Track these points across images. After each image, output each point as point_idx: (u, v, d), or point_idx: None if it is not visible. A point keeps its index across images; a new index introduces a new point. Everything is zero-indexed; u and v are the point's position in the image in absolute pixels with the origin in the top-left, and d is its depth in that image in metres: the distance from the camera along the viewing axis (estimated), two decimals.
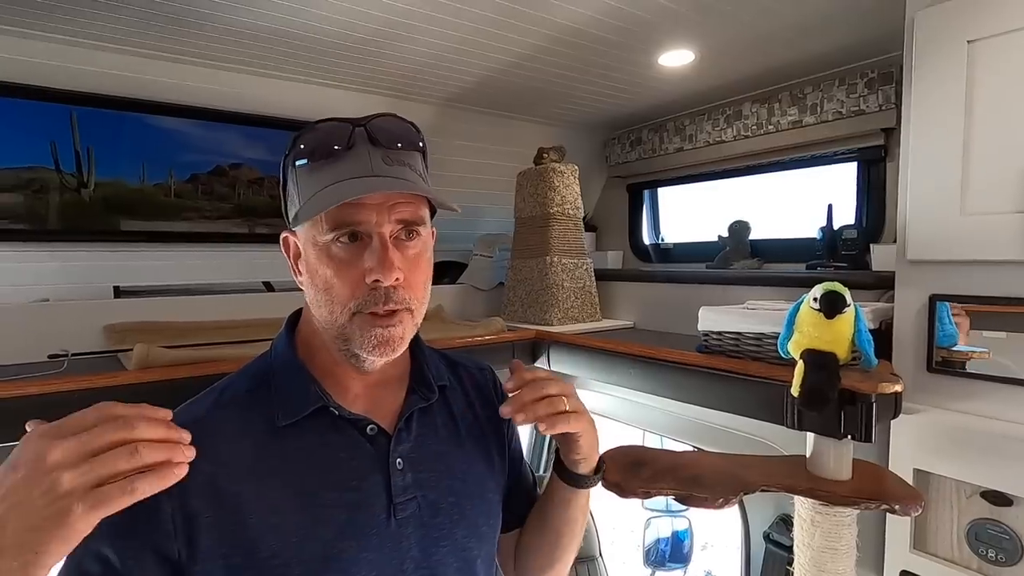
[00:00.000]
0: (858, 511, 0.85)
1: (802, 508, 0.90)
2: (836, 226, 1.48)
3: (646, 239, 2.19)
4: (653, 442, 1.87)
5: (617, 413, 1.70)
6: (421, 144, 0.68)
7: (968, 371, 0.93)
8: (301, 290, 0.68)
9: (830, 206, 1.49)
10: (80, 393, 0.94)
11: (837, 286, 0.81)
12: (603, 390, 1.68)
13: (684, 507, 2.39)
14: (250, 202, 1.60)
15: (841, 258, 1.44)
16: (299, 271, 0.68)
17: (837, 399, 0.82)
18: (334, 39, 1.28)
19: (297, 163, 0.64)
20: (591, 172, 2.24)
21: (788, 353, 0.87)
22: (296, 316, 0.72)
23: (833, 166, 1.56)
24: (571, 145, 2.09)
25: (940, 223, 0.89)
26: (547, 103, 1.81)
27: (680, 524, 2.35)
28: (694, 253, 1.99)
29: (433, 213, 0.70)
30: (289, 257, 0.69)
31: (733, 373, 1.03)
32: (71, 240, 1.35)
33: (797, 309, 0.86)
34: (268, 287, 1.60)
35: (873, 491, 0.82)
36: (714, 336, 1.10)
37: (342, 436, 0.65)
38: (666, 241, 2.14)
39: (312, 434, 0.64)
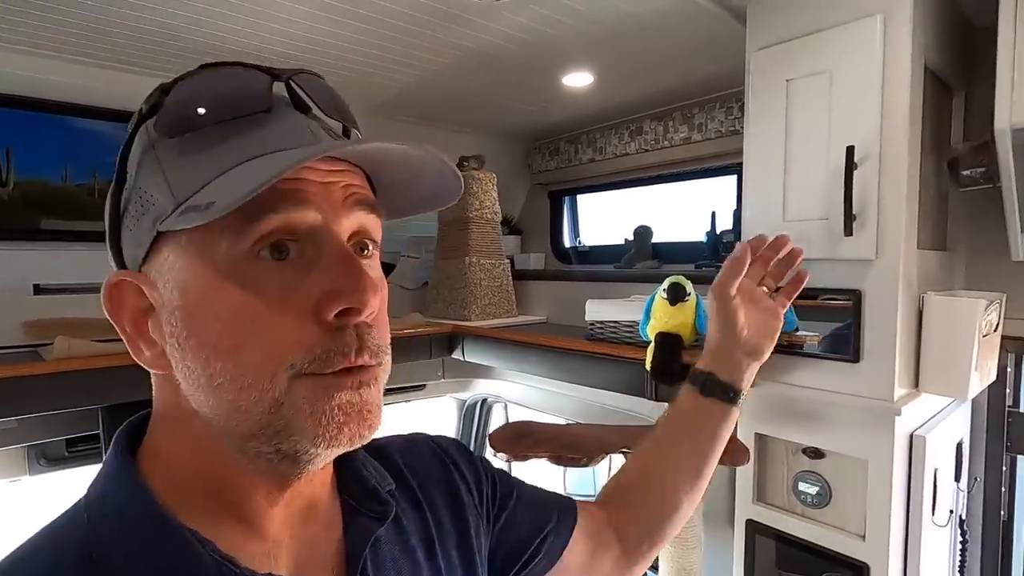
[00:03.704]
0: None
1: None
2: (719, 230, 1.69)
3: (567, 242, 2.36)
4: None
5: (530, 401, 1.85)
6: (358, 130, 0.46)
7: (795, 350, 1.12)
8: None
9: (713, 213, 1.70)
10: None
11: (680, 279, 0.98)
12: (518, 380, 1.82)
13: None
14: None
15: (722, 259, 1.63)
16: (147, 336, 0.39)
17: (681, 373, 0.98)
18: (253, 52, 1.36)
19: (169, 133, 0.38)
20: (516, 179, 2.39)
21: (647, 336, 1.04)
22: (131, 435, 0.42)
23: (717, 178, 1.77)
24: (497, 153, 2.24)
25: (769, 228, 1.07)
26: (469, 114, 1.95)
27: None
28: (608, 255, 2.17)
29: None
30: (123, 316, 0.39)
31: (612, 356, 1.19)
32: None
33: (653, 300, 1.03)
34: None
35: None
36: (598, 325, 1.26)
37: None
38: (584, 244, 2.32)
39: None
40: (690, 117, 1.74)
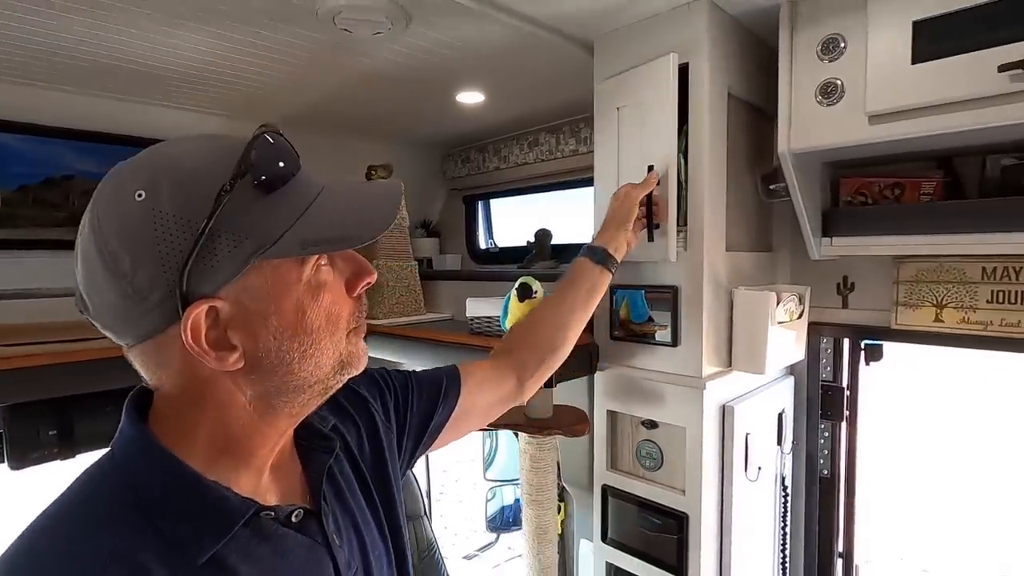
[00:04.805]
0: (552, 439, 1.19)
1: (521, 440, 1.23)
2: None
3: (482, 243, 2.52)
4: None
5: None
6: None
7: (634, 338, 1.30)
8: None
9: None
10: None
11: (528, 279, 1.14)
12: None
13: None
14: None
15: None
16: (229, 344, 0.48)
17: None
18: (157, 70, 1.45)
19: (268, 190, 0.48)
20: (433, 184, 2.53)
21: (506, 328, 1.20)
22: (139, 406, 0.53)
23: None
24: (413, 160, 2.37)
25: None
26: (381, 126, 2.07)
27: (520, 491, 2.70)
28: (516, 255, 2.34)
29: None
30: (201, 338, 0.47)
31: (486, 348, 1.34)
32: None
33: (509, 297, 1.19)
34: None
35: (558, 423, 1.17)
36: (477, 320, 1.41)
37: (269, 544, 0.52)
38: (496, 245, 2.48)
39: (236, 558, 0.49)
40: (577, 131, 1.92)
